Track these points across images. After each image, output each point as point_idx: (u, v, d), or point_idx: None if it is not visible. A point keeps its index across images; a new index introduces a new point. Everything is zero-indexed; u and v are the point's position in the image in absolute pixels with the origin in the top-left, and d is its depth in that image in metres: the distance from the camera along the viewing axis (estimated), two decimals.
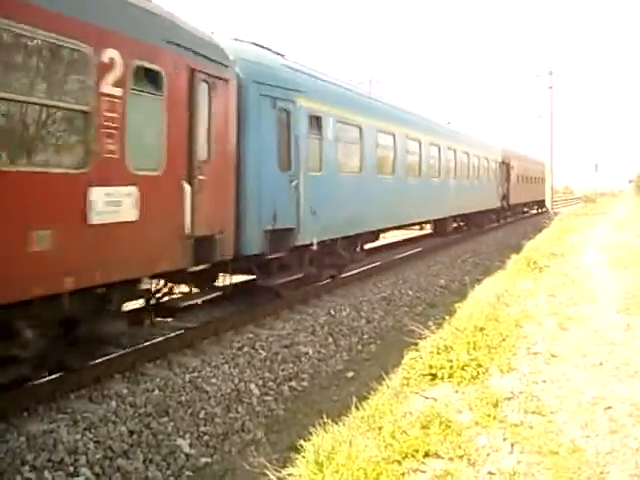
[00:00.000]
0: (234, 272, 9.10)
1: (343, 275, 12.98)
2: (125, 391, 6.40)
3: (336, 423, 4.75)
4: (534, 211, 41.65)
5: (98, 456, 5.27)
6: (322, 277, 11.87)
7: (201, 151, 7.62)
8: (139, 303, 8.05)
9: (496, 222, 29.84)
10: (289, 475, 4.17)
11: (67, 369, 6.31)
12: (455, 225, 22.73)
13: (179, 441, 5.85)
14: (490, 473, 3.92)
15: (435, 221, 20.50)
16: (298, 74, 10.38)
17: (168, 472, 5.45)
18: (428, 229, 22.77)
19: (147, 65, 6.57)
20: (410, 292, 13.20)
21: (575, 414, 4.86)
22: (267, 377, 7.59)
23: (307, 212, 10.05)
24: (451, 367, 5.79)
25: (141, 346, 7.48)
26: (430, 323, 8.25)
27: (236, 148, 8.59)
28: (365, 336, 9.97)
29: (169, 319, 8.78)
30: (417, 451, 4.12)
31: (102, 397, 6.24)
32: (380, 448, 4.16)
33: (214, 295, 8.71)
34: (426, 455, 4.11)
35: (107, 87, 5.89)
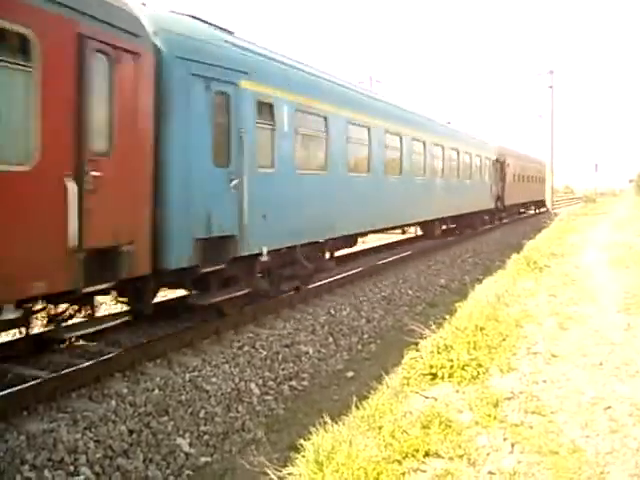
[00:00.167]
0: (171, 287, 8.53)
1: (312, 286, 11.46)
2: (125, 390, 6.40)
3: (336, 422, 4.75)
4: (532, 212, 40.41)
5: (98, 455, 5.27)
6: (280, 290, 10.28)
7: (97, 141, 6.10)
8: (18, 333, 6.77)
9: (490, 224, 28.23)
10: (289, 474, 4.17)
11: None
12: (444, 228, 21.14)
13: (179, 440, 5.85)
14: (490, 473, 3.92)
15: (421, 224, 18.98)
16: (244, 53, 8.74)
17: (168, 471, 5.45)
18: (412, 233, 21.42)
19: (8, 26, 5.13)
20: (410, 291, 13.20)
21: (575, 414, 4.86)
22: (267, 376, 7.59)
23: (254, 216, 8.46)
24: (451, 367, 5.79)
25: (141, 345, 7.47)
26: (430, 322, 8.25)
27: (154, 138, 6.97)
28: (365, 335, 9.97)
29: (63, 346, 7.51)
30: (417, 451, 4.12)
31: (102, 396, 6.23)
32: (380, 448, 4.16)
33: (115, 323, 7.01)
34: (426, 455, 4.12)
35: None
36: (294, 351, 8.53)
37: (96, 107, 6.06)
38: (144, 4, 7.49)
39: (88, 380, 6.46)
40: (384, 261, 15.74)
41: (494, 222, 29.00)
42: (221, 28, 8.71)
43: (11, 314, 5.46)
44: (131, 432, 5.72)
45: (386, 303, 11.95)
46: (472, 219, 23.80)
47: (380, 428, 4.51)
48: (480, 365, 5.89)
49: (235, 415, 6.57)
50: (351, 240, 13.10)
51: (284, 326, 9.33)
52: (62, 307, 6.78)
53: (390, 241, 20.38)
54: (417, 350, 6.54)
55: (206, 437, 6.06)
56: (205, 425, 6.23)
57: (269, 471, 4.15)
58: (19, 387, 5.91)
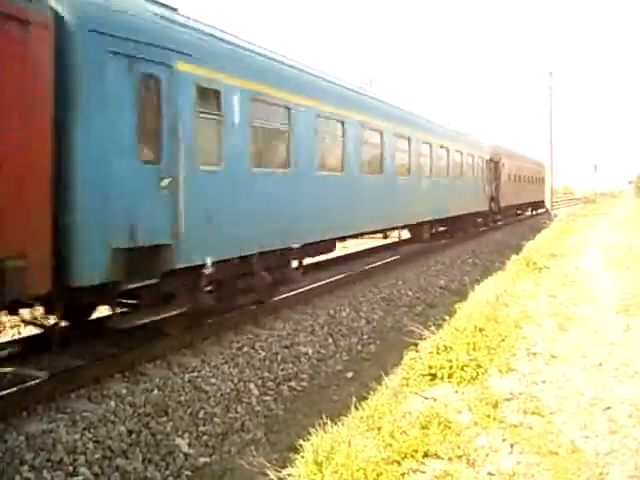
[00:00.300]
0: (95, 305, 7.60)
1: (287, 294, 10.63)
2: (124, 391, 6.39)
3: (335, 423, 4.75)
4: (528, 213, 39.60)
5: (97, 456, 5.27)
6: (235, 306, 9.04)
7: None
8: None
9: (484, 226, 26.70)
10: (288, 475, 4.17)
11: None
12: (433, 231, 19.63)
13: (178, 441, 5.85)
14: (490, 474, 3.92)
15: (408, 227, 17.62)
16: (185, 31, 7.48)
17: (167, 472, 5.44)
18: (395, 237, 19.29)
19: None
20: (410, 292, 13.19)
21: (574, 415, 4.87)
22: (266, 377, 7.58)
23: (195, 222, 7.25)
24: (451, 367, 5.80)
25: (140, 346, 7.47)
26: (430, 323, 8.27)
27: (54, 127, 5.71)
28: (365, 336, 9.97)
29: None
30: (416, 451, 4.12)
31: (101, 397, 6.23)
32: (379, 448, 4.16)
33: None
34: (425, 455, 4.12)
35: None
36: (293, 352, 8.52)
37: None
38: None
39: (87, 381, 6.45)
40: (384, 262, 15.73)
41: (488, 224, 27.57)
42: (160, 3, 7.43)
43: None
44: (130, 433, 5.72)
45: (385, 304, 11.95)
46: (464, 221, 22.38)
47: (379, 429, 4.51)
48: (479, 366, 5.90)
49: (234, 415, 6.56)
50: (327, 246, 11.66)
51: (283, 327, 9.33)
52: None
53: (389, 242, 20.32)
54: (416, 351, 6.55)
55: (205, 437, 6.06)
56: (204, 425, 6.23)
57: (268, 471, 4.15)
58: (18, 388, 5.90)
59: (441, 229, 21.04)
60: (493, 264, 16.69)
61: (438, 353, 6.17)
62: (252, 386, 7.25)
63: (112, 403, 6.09)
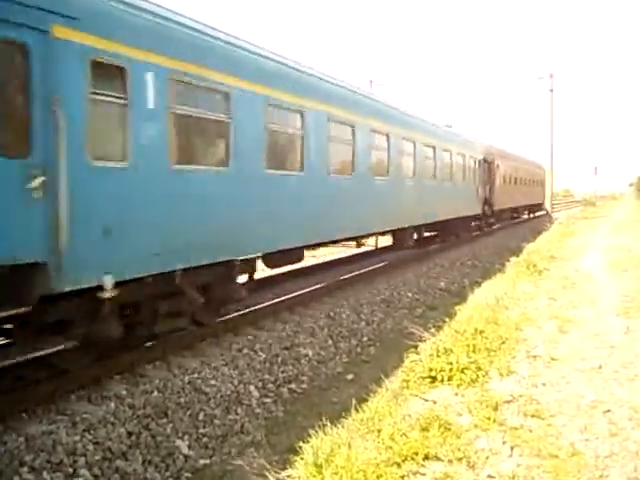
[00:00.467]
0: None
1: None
2: (124, 392, 6.39)
3: (335, 425, 4.75)
4: (525, 216, 38.51)
5: (97, 457, 5.27)
6: (152, 334, 7.40)
7: None
8: None
9: (478, 230, 25.44)
10: (288, 477, 4.17)
11: None
12: (422, 236, 18.48)
13: (178, 442, 5.85)
14: (490, 476, 3.92)
15: (388, 233, 15.94)
16: None
17: (167, 474, 5.44)
18: (371, 245, 16.25)
19: None
20: (409, 294, 13.19)
21: (574, 417, 4.87)
22: (266, 379, 7.58)
23: (87, 232, 5.78)
24: (451, 370, 5.80)
25: (140, 347, 7.47)
26: (430, 326, 8.26)
27: None
28: (365, 338, 9.96)
29: None
30: (417, 454, 4.12)
31: (101, 398, 6.23)
32: (379, 450, 4.16)
33: None
34: (426, 458, 4.12)
35: None
36: (293, 354, 8.52)
37: None
38: None
39: (87, 382, 6.45)
40: (383, 264, 15.73)
41: (482, 229, 26.14)
42: None
43: None
44: (130, 434, 5.72)
45: (385, 306, 11.95)
46: (455, 226, 21.01)
47: (379, 431, 4.51)
48: (479, 368, 5.90)
49: (234, 417, 6.56)
50: (290, 256, 10.37)
51: (283, 328, 9.33)
52: None
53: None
54: (417, 353, 6.55)
55: (205, 439, 6.05)
56: (204, 427, 6.22)
57: (268, 473, 4.15)
58: (18, 389, 5.91)
59: (431, 234, 20.22)
60: (493, 266, 16.69)
61: (438, 355, 6.17)
62: (252, 388, 7.25)
63: (112, 404, 6.09)
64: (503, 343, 6.93)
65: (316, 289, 11.73)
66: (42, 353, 5.57)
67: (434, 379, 5.76)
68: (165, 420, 6.09)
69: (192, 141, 7.66)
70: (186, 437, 5.97)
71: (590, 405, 5.11)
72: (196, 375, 7.13)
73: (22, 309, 5.35)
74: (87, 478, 5.02)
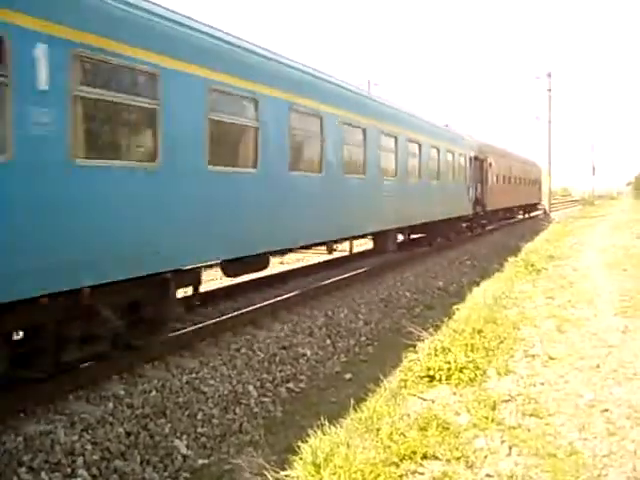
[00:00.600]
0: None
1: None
2: (122, 392, 6.39)
3: (334, 425, 4.75)
4: (520, 217, 37.25)
5: (95, 457, 5.26)
6: (60, 367, 6.17)
7: None
8: None
9: (469, 231, 24.21)
10: (287, 476, 4.17)
11: None
12: (401, 239, 17.34)
13: (176, 442, 5.84)
14: (488, 475, 3.93)
15: (371, 236, 15.09)
16: None
17: (165, 474, 5.43)
18: (345, 250, 14.25)
19: None
20: (408, 294, 13.20)
21: (573, 416, 4.87)
22: (265, 378, 7.58)
23: None
24: (449, 369, 5.81)
25: (138, 347, 7.46)
26: (428, 325, 8.27)
27: None
28: (363, 338, 9.97)
29: None
30: (415, 453, 4.13)
31: (99, 398, 6.22)
32: (378, 450, 4.16)
33: None
34: (424, 457, 4.13)
35: None
36: (292, 353, 8.52)
37: None
38: None
39: (85, 382, 6.45)
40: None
41: (473, 230, 24.73)
42: None
43: None
44: (128, 434, 5.71)
45: (384, 305, 11.95)
46: (443, 228, 19.74)
47: (378, 430, 4.51)
48: (478, 367, 5.91)
49: (232, 417, 6.56)
50: (251, 264, 9.30)
51: (282, 328, 9.33)
52: None
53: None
54: (415, 352, 6.56)
55: (203, 439, 6.05)
56: (202, 427, 6.22)
57: (267, 473, 4.15)
58: (16, 389, 5.90)
59: (412, 237, 18.98)
60: (491, 266, 16.70)
61: (436, 355, 6.18)
62: (250, 387, 7.24)
63: (110, 404, 6.09)
64: (501, 342, 6.95)
65: (315, 289, 11.73)
66: None
67: (432, 378, 5.77)
68: (163, 420, 6.09)
69: (106, 131, 6.43)
70: (184, 437, 5.96)
71: (588, 404, 5.12)
72: (194, 375, 7.12)
73: None
74: (85, 478, 5.01)
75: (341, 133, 11.32)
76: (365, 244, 18.52)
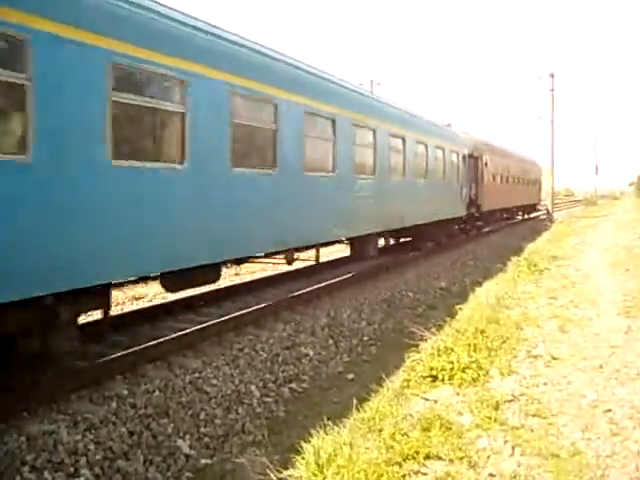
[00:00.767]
0: None
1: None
2: (125, 392, 6.40)
3: (336, 425, 4.75)
4: (519, 217, 36.01)
5: (98, 457, 5.27)
6: None
7: None
8: None
9: (463, 233, 22.94)
10: (289, 476, 4.17)
11: None
12: (386, 244, 15.91)
13: (179, 442, 5.85)
14: (491, 475, 3.92)
15: (348, 241, 13.67)
16: None
17: (168, 473, 5.44)
18: (308, 259, 12.44)
19: None
20: (410, 294, 13.19)
21: (576, 417, 4.87)
22: (267, 378, 7.58)
23: None
24: (452, 369, 5.80)
25: (141, 347, 7.47)
26: (431, 325, 8.25)
27: None
28: (365, 338, 9.96)
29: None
30: (418, 453, 4.13)
31: (102, 398, 6.23)
32: (381, 450, 4.16)
33: None
34: (427, 457, 4.13)
35: None
36: (294, 353, 8.53)
37: None
38: None
39: (88, 382, 6.46)
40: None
41: (467, 233, 23.37)
42: None
43: None
44: (131, 434, 5.72)
45: (386, 305, 11.95)
46: (433, 231, 18.32)
47: (380, 430, 4.51)
48: (480, 368, 5.90)
49: (235, 417, 6.56)
50: (195, 277, 7.98)
51: (284, 328, 9.33)
52: None
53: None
54: (417, 352, 6.56)
55: (206, 439, 6.05)
56: (205, 427, 6.23)
57: (270, 473, 4.15)
58: (19, 388, 5.91)
59: (397, 241, 17.99)
60: (494, 266, 16.69)
61: (439, 355, 6.17)
62: (253, 387, 7.25)
63: (113, 404, 6.09)
64: (504, 342, 6.94)
65: (316, 289, 11.72)
66: None
67: (435, 378, 5.76)
68: (166, 420, 6.10)
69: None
70: (187, 437, 5.97)
71: (591, 405, 5.11)
72: (197, 375, 7.13)
73: None
74: (88, 478, 5.02)
75: (300, 123, 9.74)
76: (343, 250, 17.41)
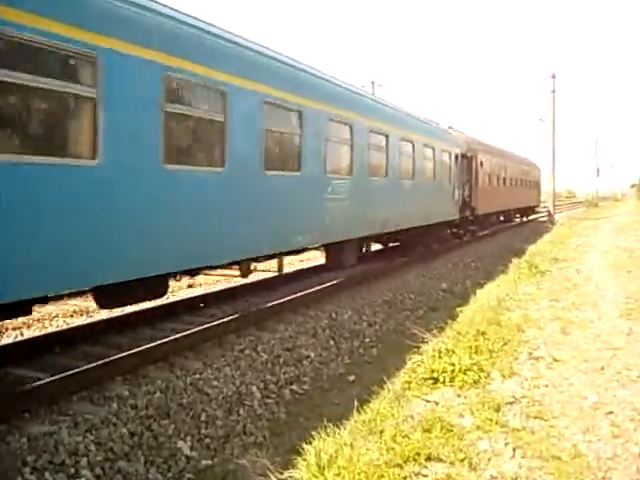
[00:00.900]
0: None
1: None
2: (126, 393, 6.40)
3: (337, 426, 4.75)
4: (517, 220, 35.27)
5: (99, 458, 5.27)
6: None
7: None
8: None
9: (456, 238, 21.77)
10: (290, 477, 4.17)
11: None
12: (365, 250, 14.94)
13: (180, 443, 5.85)
14: (492, 477, 3.92)
15: (323, 249, 12.54)
16: None
17: (169, 474, 5.44)
18: (268, 270, 10.60)
19: None
20: (412, 296, 13.19)
21: (577, 419, 4.86)
22: (269, 380, 7.58)
23: None
24: (453, 371, 5.80)
25: (142, 348, 7.48)
26: (432, 327, 8.25)
27: None
28: (367, 339, 9.96)
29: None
30: (419, 454, 4.13)
31: (103, 399, 6.23)
32: (382, 452, 4.16)
33: None
34: (428, 459, 4.12)
35: None
36: (295, 355, 8.53)
37: None
38: None
39: (89, 383, 6.46)
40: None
41: (460, 237, 22.17)
42: None
43: None
44: (132, 435, 5.72)
45: (388, 307, 11.94)
46: (423, 235, 17.25)
47: (381, 432, 4.51)
48: (481, 369, 5.90)
49: (236, 418, 6.56)
50: (140, 291, 7.16)
51: (285, 329, 9.33)
52: None
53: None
54: (419, 354, 6.56)
55: (207, 440, 6.05)
56: (206, 428, 6.22)
57: (270, 474, 4.15)
58: (20, 389, 5.92)
59: (382, 246, 17.18)
60: (495, 267, 16.68)
61: (440, 357, 6.17)
62: (254, 389, 7.25)
63: (114, 405, 6.10)
64: (505, 344, 6.93)
65: (317, 290, 11.72)
66: None
67: (436, 380, 5.76)
68: (167, 421, 6.10)
69: None
70: (188, 438, 5.97)
71: (592, 407, 5.11)
72: (198, 376, 7.13)
73: None
74: (89, 479, 5.02)
75: (258, 115, 8.53)
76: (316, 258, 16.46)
